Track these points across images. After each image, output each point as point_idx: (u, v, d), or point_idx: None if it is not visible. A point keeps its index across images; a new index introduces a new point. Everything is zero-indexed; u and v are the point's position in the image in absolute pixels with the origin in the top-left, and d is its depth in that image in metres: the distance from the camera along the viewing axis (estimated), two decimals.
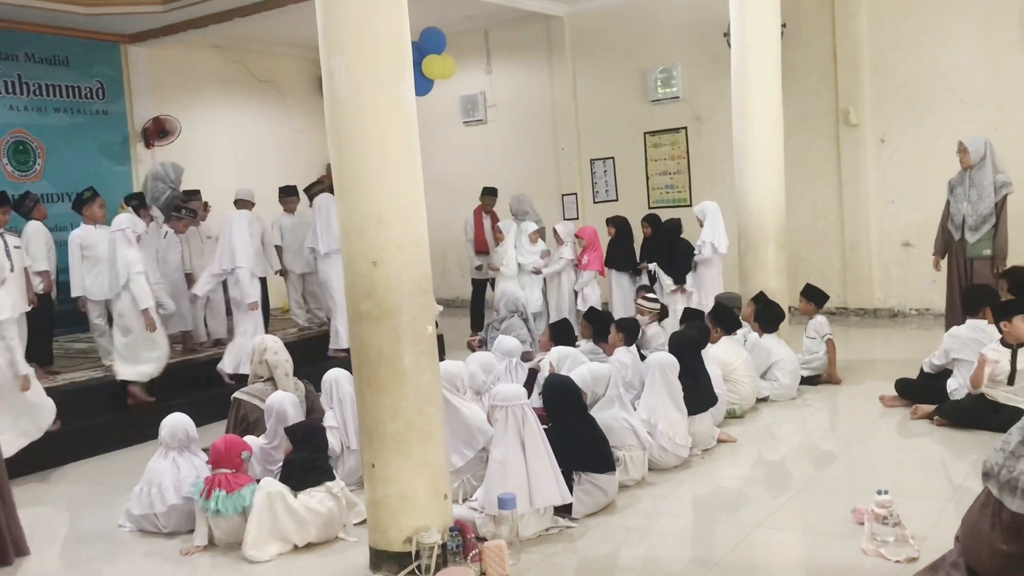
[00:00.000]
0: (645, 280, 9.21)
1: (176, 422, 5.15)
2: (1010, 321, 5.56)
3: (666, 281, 8.87)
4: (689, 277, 8.85)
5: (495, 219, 10.54)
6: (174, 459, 5.05)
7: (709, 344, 6.44)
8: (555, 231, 9.65)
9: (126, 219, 7.18)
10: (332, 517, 4.64)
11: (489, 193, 10.67)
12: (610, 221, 9.59)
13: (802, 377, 7.09)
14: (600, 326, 6.96)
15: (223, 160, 12.05)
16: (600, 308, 8.36)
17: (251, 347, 6.23)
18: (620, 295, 9.32)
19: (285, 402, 5.24)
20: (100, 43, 10.98)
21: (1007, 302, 5.82)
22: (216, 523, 4.69)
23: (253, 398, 5.72)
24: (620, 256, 9.50)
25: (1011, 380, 5.58)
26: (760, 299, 7.29)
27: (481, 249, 10.55)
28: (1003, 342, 5.64)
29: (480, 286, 10.68)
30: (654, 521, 4.70)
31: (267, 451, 5.23)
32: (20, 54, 10.30)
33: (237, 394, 5.81)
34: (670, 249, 8.93)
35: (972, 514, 3.20)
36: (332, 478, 4.75)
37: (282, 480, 4.71)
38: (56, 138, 10.59)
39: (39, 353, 7.55)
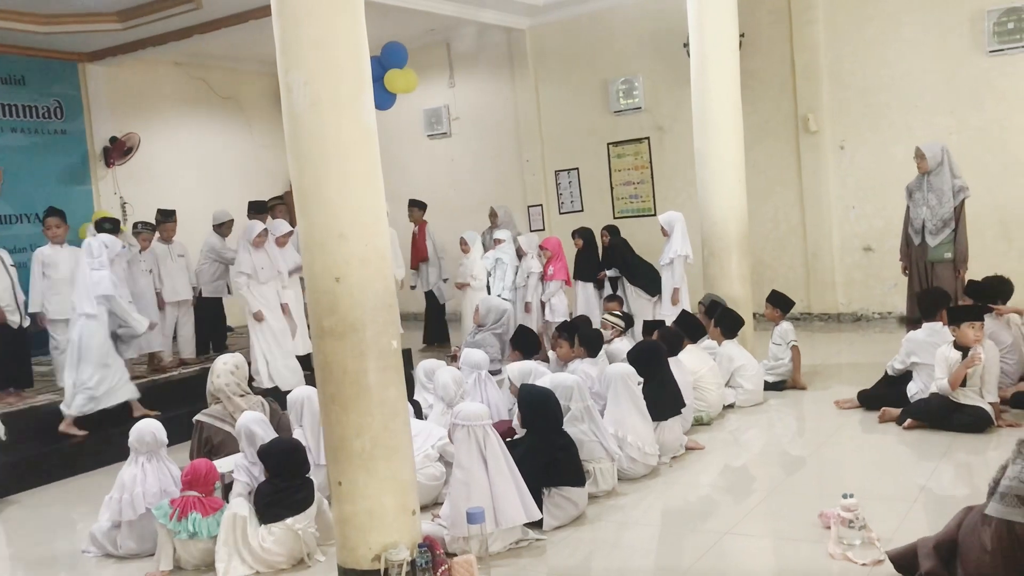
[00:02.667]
0: (609, 289, 9.27)
1: (143, 427, 5.10)
2: (958, 327, 5.69)
3: (639, 292, 8.93)
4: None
5: (423, 232, 10.70)
6: (143, 465, 4.98)
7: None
8: (517, 244, 9.66)
9: (96, 243, 7.08)
10: (292, 552, 4.56)
11: (415, 206, 10.69)
12: (577, 233, 9.65)
13: (768, 383, 7.16)
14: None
15: (185, 178, 11.95)
16: (567, 319, 8.39)
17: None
18: (586, 306, 9.37)
19: (250, 423, 5.16)
20: (58, 62, 10.86)
21: (957, 308, 5.94)
22: (186, 547, 4.62)
23: (215, 420, 5.63)
24: (587, 267, 9.56)
25: (965, 382, 5.69)
26: (713, 307, 7.35)
27: (414, 265, 10.80)
28: (956, 345, 5.74)
29: (433, 299, 10.77)
30: (624, 531, 4.70)
31: (249, 468, 5.13)
32: None
33: (199, 416, 5.72)
34: (631, 261, 9.01)
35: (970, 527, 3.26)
36: (299, 510, 4.59)
37: (254, 505, 4.64)
38: (14, 158, 10.41)
39: (17, 376, 7.44)
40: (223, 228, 9.53)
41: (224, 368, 5.81)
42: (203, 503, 4.67)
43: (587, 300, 9.48)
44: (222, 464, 5.15)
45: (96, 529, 5.05)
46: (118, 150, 11.11)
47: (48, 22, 9.64)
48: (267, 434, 5.18)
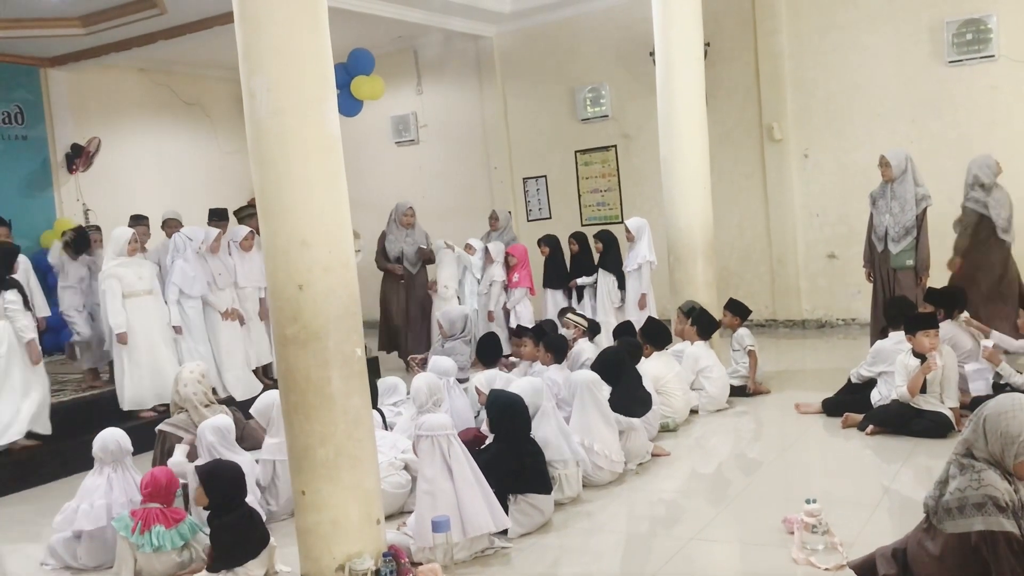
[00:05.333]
0: (573, 301, 9.29)
1: (107, 435, 5.00)
2: (914, 335, 5.78)
3: (614, 296, 8.96)
4: (613, 295, 9.00)
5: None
6: (108, 476, 4.89)
7: (643, 359, 6.52)
8: (486, 250, 9.65)
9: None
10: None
11: (216, 216, 9.24)
12: (543, 240, 9.67)
13: (733, 387, 7.21)
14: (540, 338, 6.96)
15: (150, 184, 11.81)
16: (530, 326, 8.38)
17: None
18: (555, 313, 9.35)
19: (206, 432, 5.09)
20: (18, 66, 10.70)
21: (913, 317, 6.01)
22: (149, 560, 4.52)
23: (178, 430, 5.56)
24: (554, 274, 9.58)
25: (924, 388, 5.77)
26: (692, 311, 7.40)
27: None
28: (914, 352, 5.82)
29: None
30: (590, 538, 4.70)
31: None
32: None
33: (162, 426, 5.65)
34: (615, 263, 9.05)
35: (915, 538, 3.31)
36: (255, 553, 4.30)
37: (214, 551, 4.42)
38: None
39: None
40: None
41: (191, 377, 5.74)
42: (165, 515, 4.57)
43: (556, 308, 9.47)
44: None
45: (55, 540, 4.94)
46: (84, 157, 10.95)
47: (9, 26, 9.48)
48: (225, 443, 5.10)
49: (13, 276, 6.77)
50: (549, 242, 9.63)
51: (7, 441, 6.61)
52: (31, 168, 10.90)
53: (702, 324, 7.21)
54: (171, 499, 4.69)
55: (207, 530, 4.43)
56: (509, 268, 9.58)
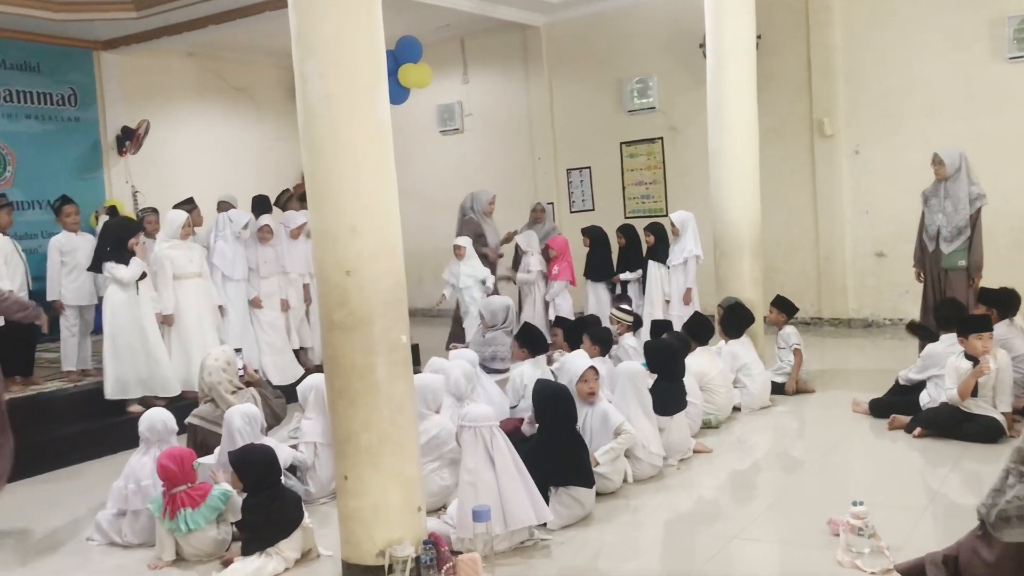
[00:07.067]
0: (619, 291, 9.22)
1: (154, 416, 5.09)
2: (966, 338, 5.65)
3: (665, 287, 8.83)
4: (665, 285, 8.86)
5: None
6: (154, 456, 4.92)
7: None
8: (518, 242, 9.56)
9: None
10: (301, 549, 4.50)
11: (259, 206, 9.23)
12: (585, 232, 9.58)
13: (776, 384, 7.12)
14: (572, 334, 6.91)
15: (196, 168, 11.93)
16: (572, 318, 8.33)
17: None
18: (597, 305, 9.31)
19: (235, 416, 5.10)
20: (72, 49, 10.84)
21: (967, 319, 5.88)
22: (187, 540, 4.59)
23: (206, 422, 5.54)
24: (596, 266, 9.49)
25: (975, 392, 5.64)
26: (730, 306, 7.31)
27: None
28: (966, 355, 5.69)
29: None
30: (630, 532, 4.66)
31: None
32: None
33: (191, 419, 5.64)
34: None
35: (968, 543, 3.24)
36: (286, 534, 4.39)
37: (242, 534, 4.52)
38: (27, 145, 10.43)
39: (19, 365, 7.46)
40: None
41: (215, 365, 5.68)
42: (190, 495, 4.59)
43: (598, 301, 9.41)
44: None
45: (101, 517, 5.03)
46: (134, 139, 11.11)
47: (63, 9, 9.64)
48: (252, 429, 5.11)
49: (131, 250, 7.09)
50: (592, 234, 9.53)
51: (167, 395, 7.14)
52: (82, 150, 11.06)
53: (729, 323, 7.12)
54: (192, 475, 4.69)
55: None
56: (549, 260, 9.45)
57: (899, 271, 9.33)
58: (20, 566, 4.89)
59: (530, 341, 6.89)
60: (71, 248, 7.85)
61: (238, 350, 6.49)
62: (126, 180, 11.32)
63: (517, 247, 9.59)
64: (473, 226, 9.61)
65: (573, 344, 6.76)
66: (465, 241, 9.33)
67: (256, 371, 6.92)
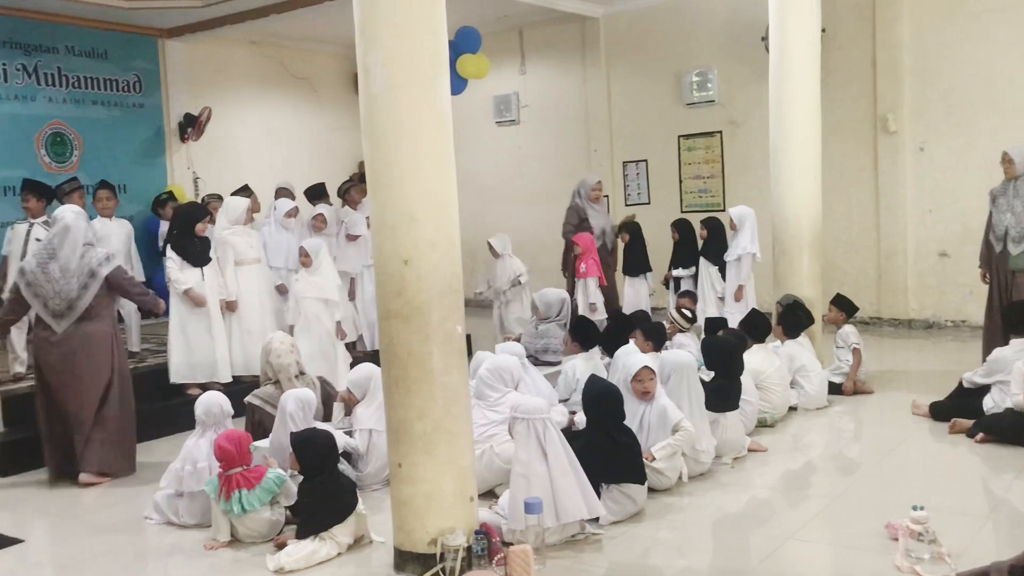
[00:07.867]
0: (670, 294, 9.07)
1: (210, 399, 5.18)
2: None
3: (717, 286, 8.72)
4: (716, 283, 8.75)
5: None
6: (210, 439, 5.00)
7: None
8: (490, 245, 9.21)
9: None
10: (355, 534, 4.54)
11: (314, 194, 9.41)
12: (623, 227, 9.45)
13: (834, 384, 7.01)
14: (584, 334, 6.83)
15: (257, 155, 12.10)
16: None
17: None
18: (635, 301, 9.19)
19: (289, 400, 5.14)
20: (138, 37, 11.07)
21: None
22: (241, 522, 4.66)
23: (266, 404, 5.59)
24: (634, 261, 9.40)
25: None
26: (788, 305, 7.21)
27: None
28: None
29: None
30: (683, 530, 4.63)
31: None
32: (60, 47, 10.40)
33: (251, 399, 5.70)
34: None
35: None
36: (340, 519, 4.44)
37: (296, 517, 4.60)
38: (93, 130, 10.68)
39: None
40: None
41: (283, 347, 5.74)
42: (246, 477, 4.65)
43: (636, 295, 9.30)
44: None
45: (159, 497, 5.14)
46: (197, 126, 11.30)
47: None
48: (307, 415, 5.14)
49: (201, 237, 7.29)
50: (629, 229, 9.37)
51: (222, 381, 7.27)
52: (146, 136, 11.28)
53: (788, 323, 7.02)
54: (248, 458, 4.75)
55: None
56: (575, 258, 9.07)
57: (963, 272, 9.12)
58: (80, 539, 5.01)
59: (582, 335, 6.87)
60: (105, 234, 7.76)
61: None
62: (188, 166, 11.53)
63: (491, 248, 9.24)
64: (578, 211, 9.52)
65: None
66: (498, 241, 9.22)
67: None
